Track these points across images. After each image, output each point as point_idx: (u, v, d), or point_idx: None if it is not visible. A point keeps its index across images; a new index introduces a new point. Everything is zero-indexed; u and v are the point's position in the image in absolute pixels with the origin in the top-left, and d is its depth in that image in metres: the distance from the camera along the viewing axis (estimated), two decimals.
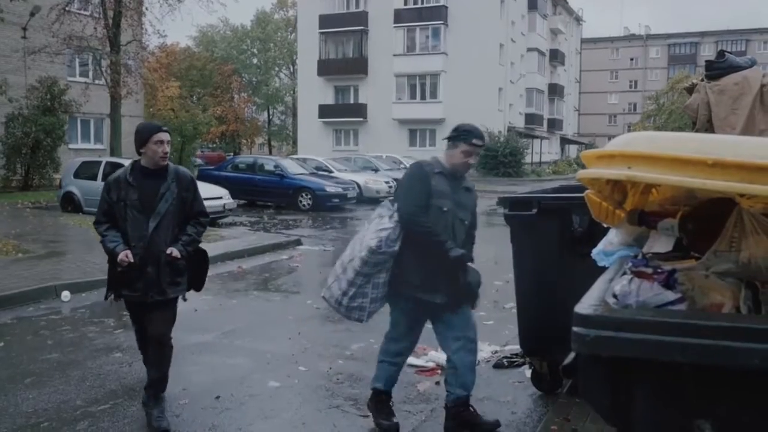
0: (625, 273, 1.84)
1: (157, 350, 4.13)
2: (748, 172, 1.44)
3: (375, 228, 3.78)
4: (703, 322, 1.51)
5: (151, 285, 4.00)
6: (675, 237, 1.85)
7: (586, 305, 1.61)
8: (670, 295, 1.69)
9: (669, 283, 1.72)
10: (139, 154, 4.05)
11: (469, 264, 3.84)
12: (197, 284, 4.36)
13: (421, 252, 3.77)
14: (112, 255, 3.97)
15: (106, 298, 4.18)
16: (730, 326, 1.48)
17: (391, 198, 3.97)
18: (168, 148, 4.02)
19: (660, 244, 1.88)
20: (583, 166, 1.92)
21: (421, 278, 3.81)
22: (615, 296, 1.72)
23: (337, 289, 3.87)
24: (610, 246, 2.14)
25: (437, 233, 3.74)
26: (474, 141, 3.88)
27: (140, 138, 3.99)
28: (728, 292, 1.68)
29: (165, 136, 4.00)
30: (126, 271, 3.95)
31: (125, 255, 3.91)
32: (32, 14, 22.72)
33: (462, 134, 3.89)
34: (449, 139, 3.95)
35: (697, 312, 1.66)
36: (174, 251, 4.01)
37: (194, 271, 4.26)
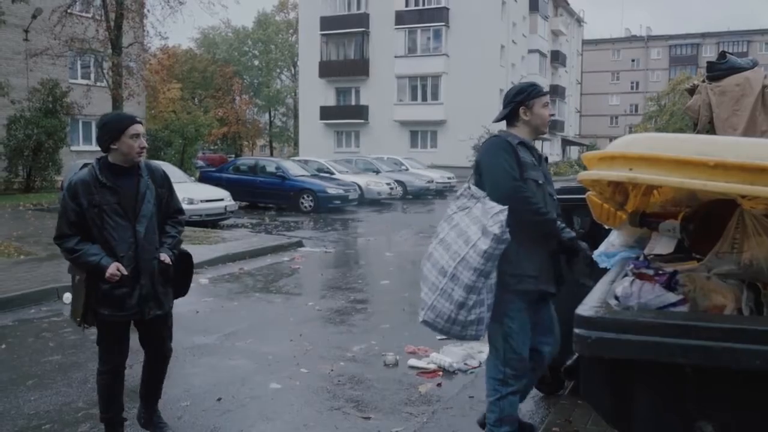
0: (626, 275, 1.83)
1: (161, 365, 3.87)
2: (750, 173, 1.43)
3: (489, 212, 3.08)
4: (705, 323, 1.51)
5: (148, 299, 3.57)
6: (676, 238, 1.85)
7: (587, 307, 1.61)
8: (672, 297, 1.69)
9: (670, 284, 1.72)
10: (108, 150, 3.51)
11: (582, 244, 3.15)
12: (182, 289, 3.90)
13: (528, 236, 3.18)
14: (96, 270, 3.41)
15: (81, 324, 3.57)
16: (731, 328, 1.48)
17: (467, 185, 3.33)
18: (145, 142, 3.57)
19: (661, 245, 1.88)
20: (585, 168, 1.91)
21: (538, 267, 3.23)
22: (617, 298, 1.71)
23: (447, 305, 3.14)
24: (611, 248, 2.14)
25: (547, 211, 3.19)
26: (545, 90, 3.48)
27: (112, 131, 3.46)
28: (730, 293, 1.67)
29: (141, 128, 3.53)
30: (116, 287, 3.47)
31: (116, 268, 3.41)
32: (34, 16, 22.75)
33: (530, 91, 3.40)
34: (517, 104, 3.41)
35: (698, 314, 1.66)
36: (165, 257, 3.62)
37: (180, 275, 3.82)
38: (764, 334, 1.44)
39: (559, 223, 3.19)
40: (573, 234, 3.16)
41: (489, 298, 3.15)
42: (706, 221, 1.76)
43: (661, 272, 1.77)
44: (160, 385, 3.94)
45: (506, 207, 3.07)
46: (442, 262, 3.15)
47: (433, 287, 3.18)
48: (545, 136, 42.46)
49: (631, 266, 1.87)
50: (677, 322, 1.54)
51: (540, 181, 3.29)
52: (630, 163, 1.58)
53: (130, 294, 3.53)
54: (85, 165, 3.69)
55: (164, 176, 3.76)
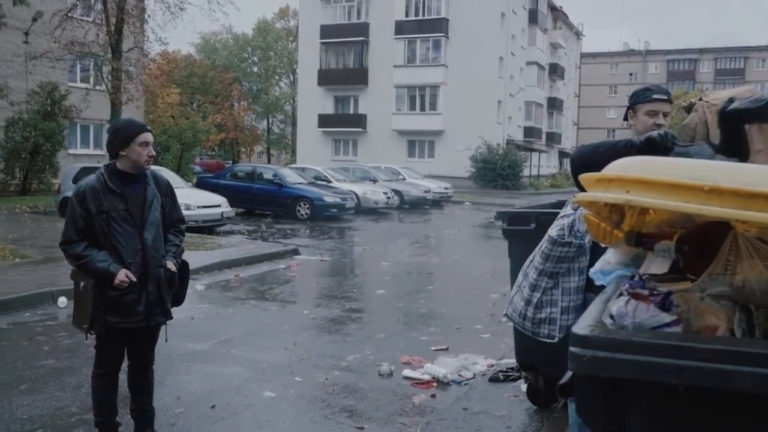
0: (622, 294, 1.86)
1: (148, 375, 3.87)
2: (744, 198, 1.46)
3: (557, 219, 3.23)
4: (698, 344, 1.53)
5: (154, 306, 3.60)
6: (671, 259, 1.87)
7: (583, 325, 1.64)
8: (666, 317, 1.71)
9: (665, 305, 1.74)
10: (116, 156, 3.54)
11: None
12: (179, 298, 3.89)
13: None
14: (104, 277, 3.43)
15: (88, 332, 3.58)
16: (724, 349, 1.50)
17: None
18: (153, 151, 3.60)
19: (656, 265, 1.91)
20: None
21: None
22: (612, 317, 1.74)
23: (519, 301, 3.32)
24: (607, 265, 2.16)
25: (610, 140, 3.08)
26: (656, 96, 3.14)
27: (122, 138, 3.48)
28: (723, 314, 1.69)
29: (150, 137, 3.56)
30: (124, 294, 3.48)
31: (125, 275, 3.44)
32: (35, 19, 22.83)
33: (638, 96, 3.19)
34: (628, 107, 3.29)
35: (691, 335, 1.68)
36: (171, 265, 3.67)
37: (179, 283, 3.83)
38: (755, 357, 1.46)
39: None
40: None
41: (564, 301, 3.20)
42: (700, 242, 1.79)
43: (655, 292, 1.79)
44: (151, 398, 3.91)
45: (571, 212, 3.15)
46: (526, 262, 3.36)
47: (515, 285, 3.37)
48: (542, 147, 41.83)
49: (627, 286, 1.90)
50: (671, 342, 1.56)
51: None
52: (626, 185, 1.60)
53: (138, 301, 3.54)
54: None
55: (168, 185, 3.80)
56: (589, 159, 2.98)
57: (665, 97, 3.17)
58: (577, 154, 3.20)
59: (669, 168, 1.59)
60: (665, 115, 3.18)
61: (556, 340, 3.27)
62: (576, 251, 3.20)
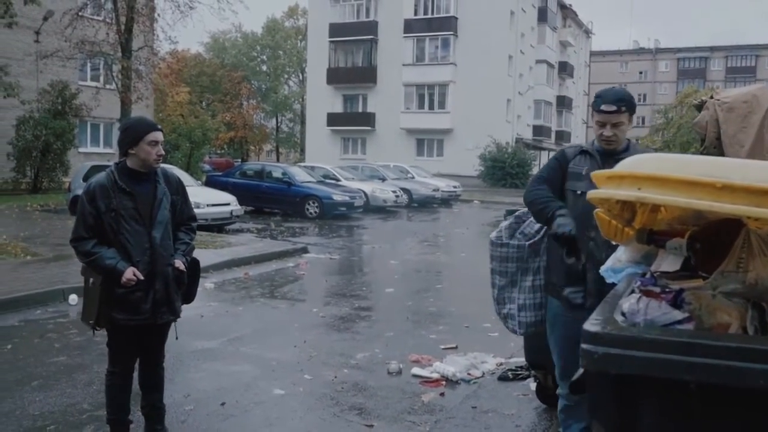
0: (633, 291, 1.86)
1: (158, 372, 3.89)
2: (756, 195, 1.46)
3: None
4: (710, 341, 1.53)
5: (161, 304, 3.60)
6: (683, 256, 1.87)
7: (595, 322, 1.64)
8: (678, 315, 1.71)
9: (677, 302, 1.74)
10: (126, 154, 3.53)
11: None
12: (190, 296, 3.89)
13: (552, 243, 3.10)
14: (112, 274, 3.44)
15: (94, 328, 3.61)
16: (736, 346, 1.50)
17: None
18: (162, 150, 3.59)
19: (668, 263, 1.90)
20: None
21: (566, 273, 3.04)
22: (623, 314, 1.74)
23: (492, 300, 3.63)
24: (618, 263, 2.16)
25: (542, 201, 3.06)
26: (602, 107, 2.95)
27: (131, 136, 3.49)
28: (735, 312, 1.69)
29: (160, 136, 3.54)
30: (131, 292, 3.49)
31: (132, 272, 3.44)
32: (45, 19, 22.93)
33: (593, 101, 3.06)
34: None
35: (703, 332, 1.68)
36: (180, 264, 3.65)
37: (189, 281, 3.81)
38: None
39: (554, 207, 2.98)
40: (560, 216, 2.93)
41: (521, 298, 3.48)
42: (712, 240, 1.79)
43: (667, 290, 1.79)
44: (161, 395, 3.92)
45: (513, 216, 3.54)
46: None
47: None
48: (551, 146, 41.98)
49: (638, 283, 1.89)
50: (682, 339, 1.56)
51: (578, 192, 2.97)
52: (639, 182, 1.60)
53: (145, 299, 3.55)
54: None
55: (179, 183, 3.80)
56: (529, 206, 3.28)
57: (613, 109, 2.92)
58: (525, 193, 3.33)
59: (681, 165, 1.59)
60: (616, 125, 2.96)
61: (518, 334, 3.57)
62: (517, 251, 3.47)
